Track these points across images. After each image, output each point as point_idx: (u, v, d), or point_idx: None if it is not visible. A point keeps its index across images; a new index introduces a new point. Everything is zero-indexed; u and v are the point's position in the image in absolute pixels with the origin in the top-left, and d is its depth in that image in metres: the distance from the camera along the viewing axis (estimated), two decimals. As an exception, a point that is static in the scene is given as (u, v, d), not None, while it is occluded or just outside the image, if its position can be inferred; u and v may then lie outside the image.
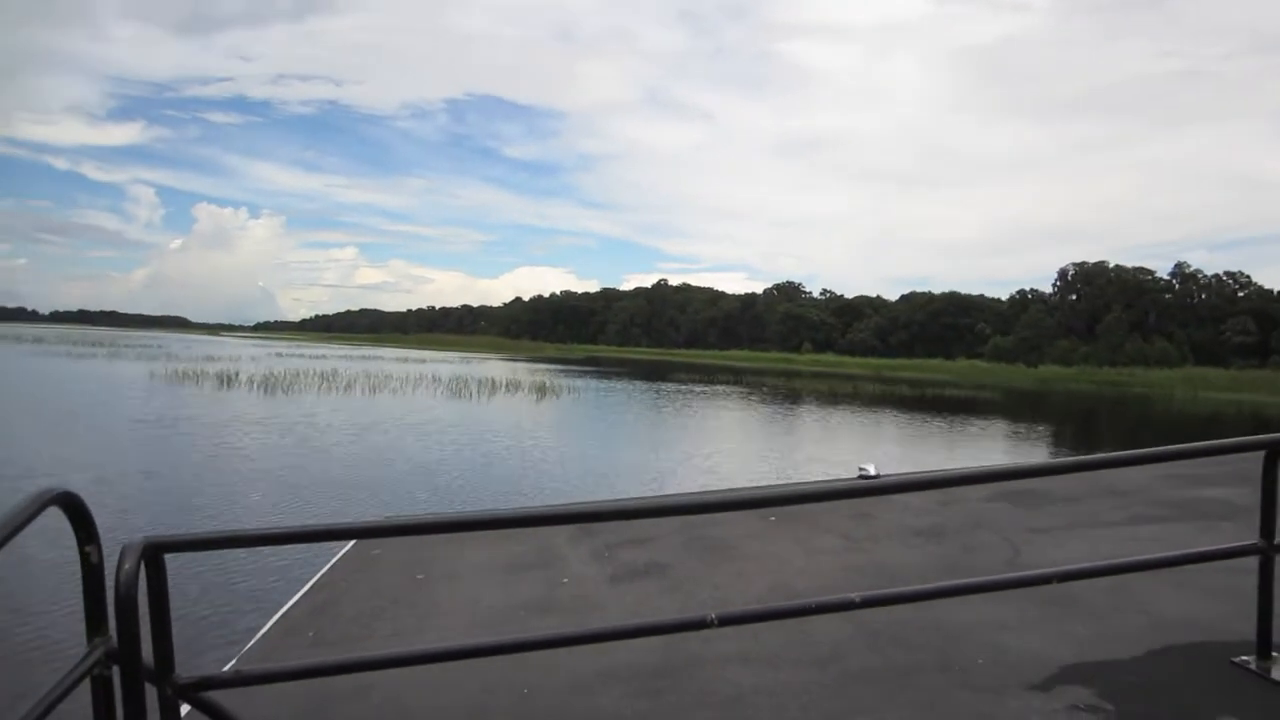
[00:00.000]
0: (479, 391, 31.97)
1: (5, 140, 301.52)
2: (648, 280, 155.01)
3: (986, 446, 21.91)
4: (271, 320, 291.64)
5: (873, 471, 7.90)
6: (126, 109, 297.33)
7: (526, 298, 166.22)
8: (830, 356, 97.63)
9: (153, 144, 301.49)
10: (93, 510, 1.79)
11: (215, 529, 7.76)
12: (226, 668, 3.11)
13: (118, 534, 2.48)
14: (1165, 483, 7.34)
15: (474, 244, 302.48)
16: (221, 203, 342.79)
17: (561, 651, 3.05)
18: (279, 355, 60.51)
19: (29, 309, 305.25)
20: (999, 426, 27.75)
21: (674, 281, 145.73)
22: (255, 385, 30.23)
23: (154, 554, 1.88)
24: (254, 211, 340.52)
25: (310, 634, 4.52)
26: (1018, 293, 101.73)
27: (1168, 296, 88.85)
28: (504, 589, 5.22)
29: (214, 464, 13.77)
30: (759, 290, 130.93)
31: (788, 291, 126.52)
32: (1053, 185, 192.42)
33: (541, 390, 33.53)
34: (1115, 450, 3.63)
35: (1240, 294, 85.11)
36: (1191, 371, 69.34)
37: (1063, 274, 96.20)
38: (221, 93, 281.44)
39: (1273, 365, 69.97)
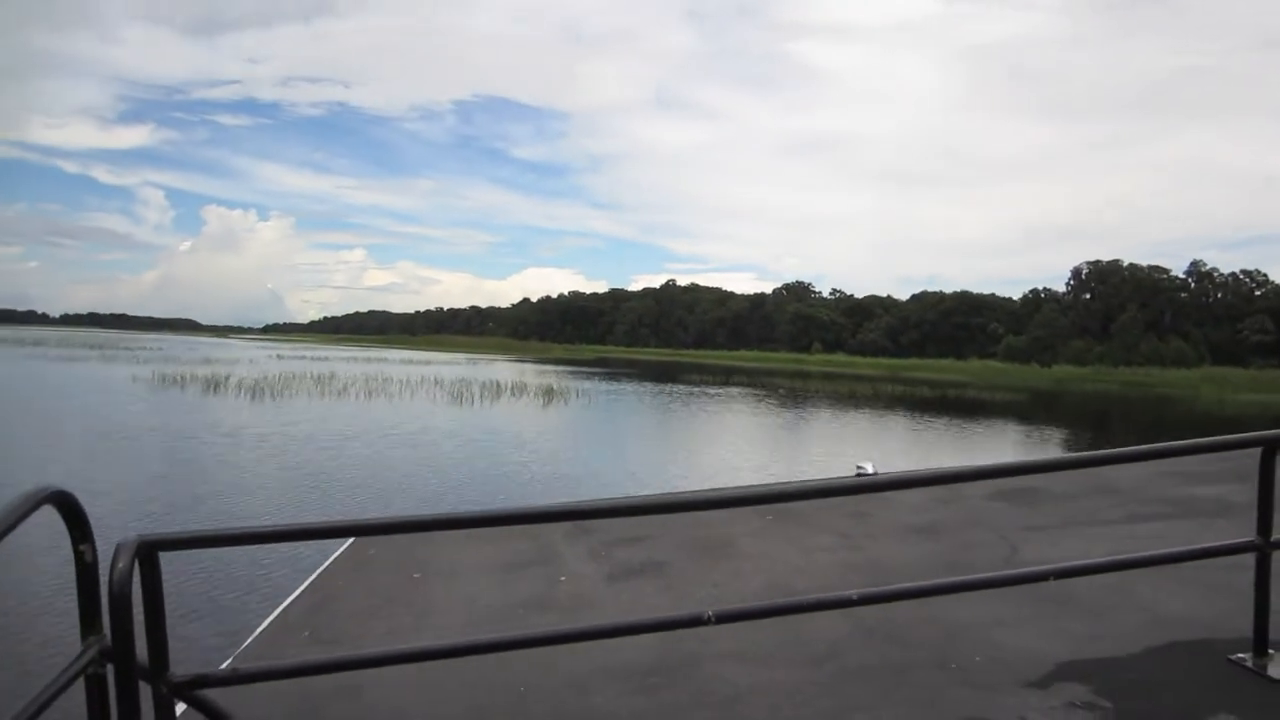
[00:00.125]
0: (482, 396, 30.39)
1: (16, 144, 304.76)
2: (656, 281, 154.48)
3: (1039, 456, 20.56)
4: (280, 322, 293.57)
5: (870, 470, 7.96)
6: (136, 112, 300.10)
7: (534, 299, 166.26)
8: (841, 357, 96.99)
9: (162, 146, 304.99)
10: None
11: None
12: (222, 667, 3.00)
13: None
14: (1162, 481, 7.30)
15: (482, 245, 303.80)
16: (231, 205, 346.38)
17: (558, 650, 3.01)
18: (279, 358, 59.28)
19: (39, 312, 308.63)
20: (1046, 433, 26.48)
21: (682, 282, 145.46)
22: (243, 390, 28.88)
23: (148, 552, 1.86)
24: (263, 213, 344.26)
25: (306, 633, 4.49)
26: (1030, 292, 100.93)
27: (1183, 295, 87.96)
28: (501, 588, 5.21)
29: (159, 483, 12.05)
30: (767, 290, 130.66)
31: (797, 291, 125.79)
32: (1062, 184, 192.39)
33: (548, 394, 31.68)
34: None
35: (1257, 293, 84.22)
36: (1211, 371, 68.09)
37: (1076, 273, 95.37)
38: (230, 95, 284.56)
39: (1293, 364, 68.57)
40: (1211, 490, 6.88)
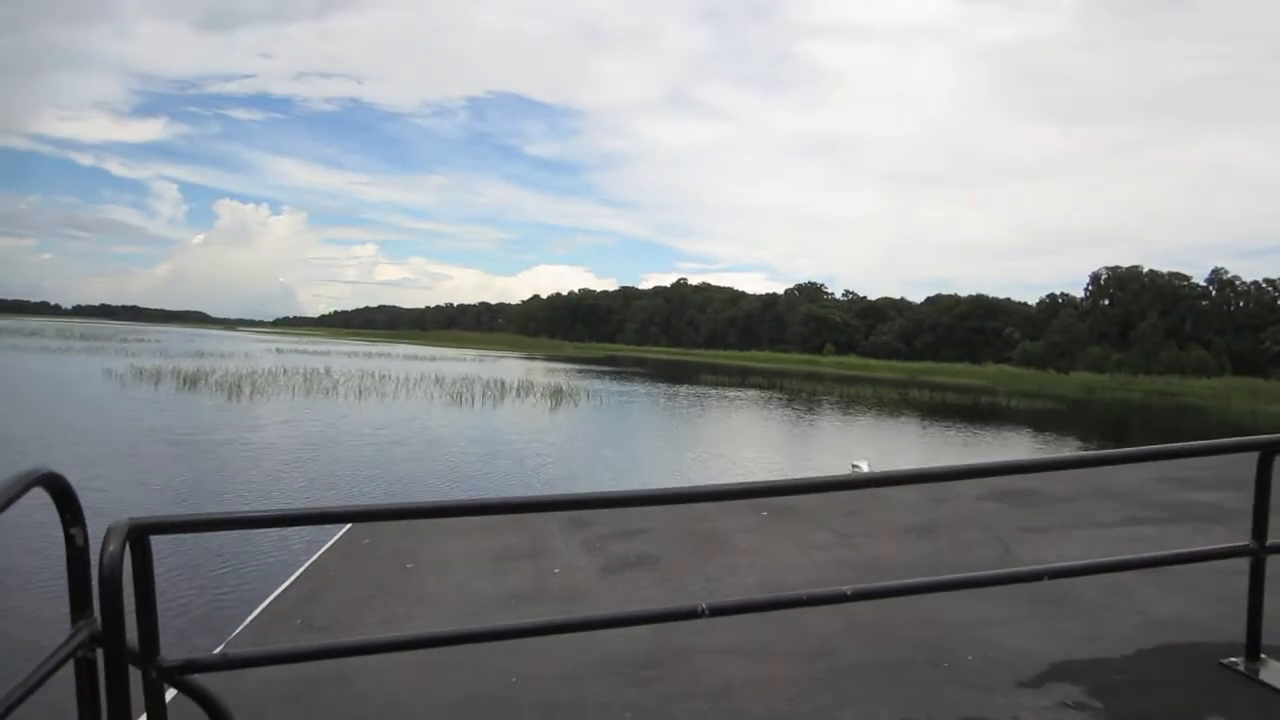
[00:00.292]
0: (484, 396, 27.93)
1: (33, 136, 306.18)
2: (666, 280, 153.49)
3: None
4: (291, 316, 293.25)
5: (865, 469, 8.08)
6: (150, 106, 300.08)
7: (545, 296, 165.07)
8: (854, 359, 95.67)
9: (176, 140, 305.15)
10: None
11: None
12: (214, 653, 2.86)
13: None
14: (1158, 485, 7.31)
15: (493, 242, 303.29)
16: (243, 199, 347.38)
17: (551, 640, 3.05)
18: (278, 351, 56.66)
19: (52, 303, 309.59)
20: (1110, 448, 23.32)
21: (693, 281, 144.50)
22: (222, 387, 26.43)
23: (139, 535, 1.84)
24: (275, 208, 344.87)
25: (298, 621, 4.46)
26: (1047, 297, 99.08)
27: (1204, 303, 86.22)
28: (494, 579, 5.19)
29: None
30: (778, 291, 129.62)
31: (810, 292, 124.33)
32: (1076, 189, 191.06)
33: (556, 395, 29.03)
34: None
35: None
36: (1243, 381, 65.76)
37: (1095, 278, 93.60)
38: (244, 89, 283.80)
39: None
40: (1207, 496, 6.87)
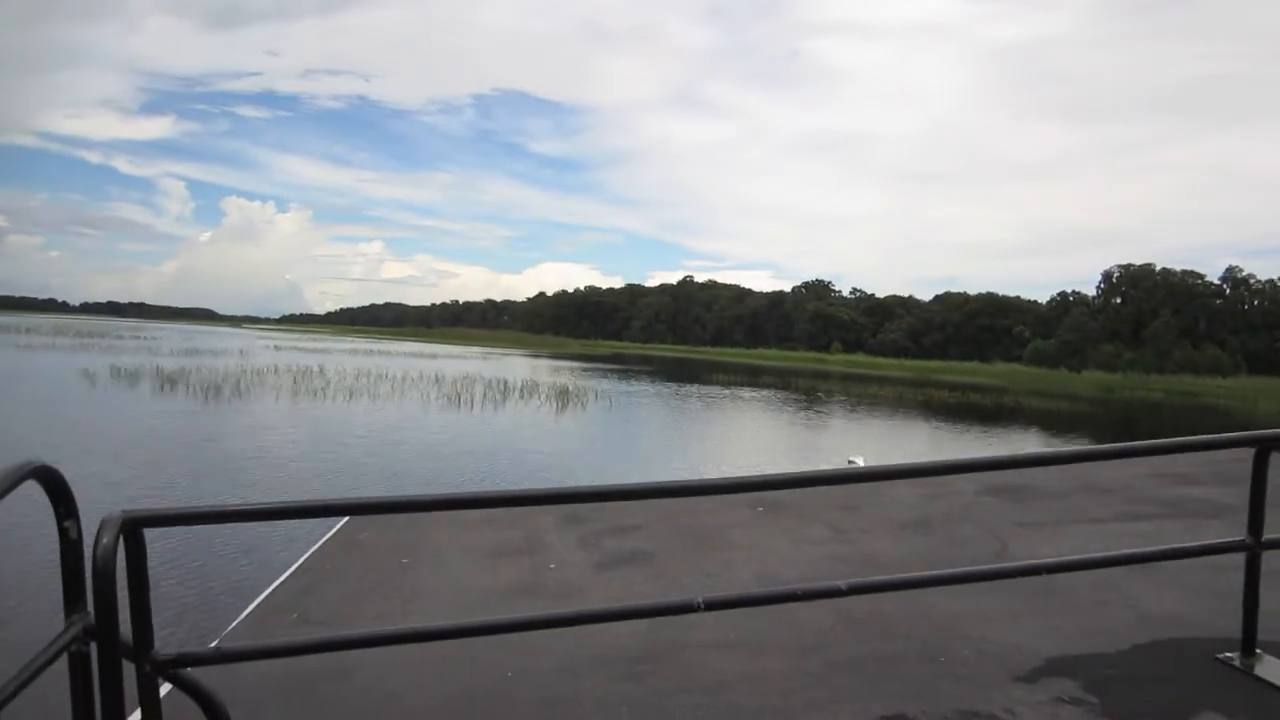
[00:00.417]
0: (484, 398, 26.12)
1: (40, 134, 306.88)
2: (672, 277, 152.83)
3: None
4: (297, 313, 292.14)
5: (861, 464, 8.07)
6: (157, 103, 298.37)
7: (550, 293, 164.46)
8: (862, 357, 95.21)
9: (183, 138, 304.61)
10: None
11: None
12: (209, 646, 2.94)
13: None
14: (1153, 482, 7.30)
15: (499, 239, 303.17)
16: (250, 196, 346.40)
17: (546, 634, 3.03)
18: (276, 349, 54.99)
19: (59, 300, 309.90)
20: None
21: (699, 279, 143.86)
22: (201, 388, 24.56)
23: (133, 528, 1.83)
24: (282, 205, 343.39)
25: (294, 615, 4.45)
26: (1058, 295, 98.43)
27: (1218, 302, 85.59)
28: (490, 574, 5.20)
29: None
30: (784, 288, 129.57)
31: (817, 290, 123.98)
32: (1084, 187, 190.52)
33: (563, 397, 27.22)
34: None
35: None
36: (1252, 382, 64.91)
37: (1107, 276, 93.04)
38: (251, 87, 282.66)
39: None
40: (1202, 492, 6.86)
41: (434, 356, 54.89)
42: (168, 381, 25.83)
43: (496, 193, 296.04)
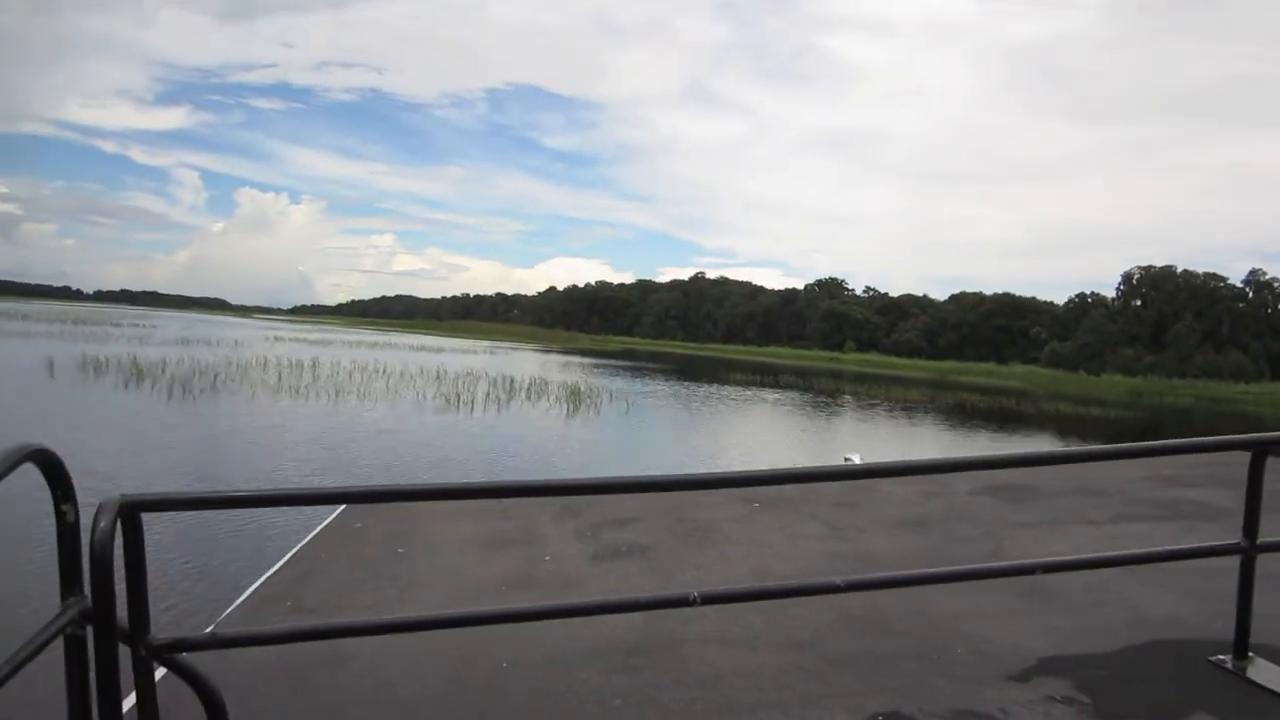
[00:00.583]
0: (486, 398, 23.53)
1: (56, 123, 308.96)
2: (683, 273, 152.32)
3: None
4: (308, 304, 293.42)
5: (858, 461, 8.17)
6: (173, 94, 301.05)
7: (561, 288, 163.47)
8: (876, 356, 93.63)
9: (198, 129, 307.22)
10: None
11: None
12: (204, 632, 2.95)
13: None
14: (1148, 484, 7.33)
15: (511, 233, 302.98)
16: (264, 188, 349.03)
17: (541, 626, 3.10)
18: (276, 340, 52.80)
19: (74, 288, 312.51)
20: None
21: (711, 275, 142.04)
22: (171, 382, 22.20)
23: (130, 512, 1.82)
24: (295, 197, 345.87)
25: (289, 603, 4.46)
26: (1076, 296, 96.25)
27: (1241, 305, 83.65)
28: (485, 564, 5.19)
29: None
30: (794, 286, 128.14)
31: (830, 288, 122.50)
32: (1098, 187, 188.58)
33: (574, 398, 24.73)
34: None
35: (1319, 304, 79.97)
36: (1272, 386, 63.75)
37: (1127, 278, 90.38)
38: (265, 79, 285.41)
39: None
40: (1196, 495, 6.87)
41: (439, 350, 52.11)
42: (138, 374, 23.48)
43: (509, 187, 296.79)
